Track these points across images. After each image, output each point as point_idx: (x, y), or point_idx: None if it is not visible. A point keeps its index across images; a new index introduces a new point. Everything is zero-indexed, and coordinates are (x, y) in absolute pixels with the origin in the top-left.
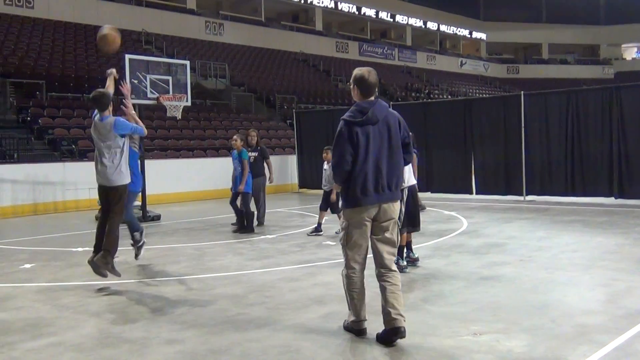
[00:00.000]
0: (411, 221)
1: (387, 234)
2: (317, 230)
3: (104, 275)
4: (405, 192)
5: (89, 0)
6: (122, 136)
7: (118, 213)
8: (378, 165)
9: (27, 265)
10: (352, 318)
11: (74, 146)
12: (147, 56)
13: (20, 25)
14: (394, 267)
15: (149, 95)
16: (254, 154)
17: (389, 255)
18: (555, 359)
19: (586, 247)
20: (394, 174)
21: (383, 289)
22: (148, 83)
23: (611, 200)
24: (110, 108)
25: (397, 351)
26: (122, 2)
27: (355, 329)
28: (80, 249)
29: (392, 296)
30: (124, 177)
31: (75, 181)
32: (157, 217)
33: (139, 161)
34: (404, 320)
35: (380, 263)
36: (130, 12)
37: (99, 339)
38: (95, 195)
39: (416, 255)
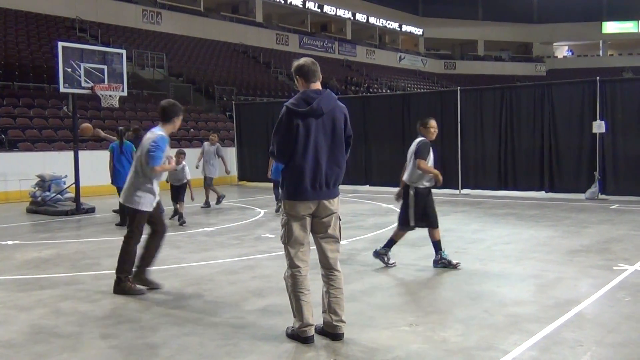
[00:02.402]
0: (428, 219)
1: (330, 230)
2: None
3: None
4: (412, 191)
5: None
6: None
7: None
8: (317, 161)
9: None
10: (298, 324)
11: (3, 136)
12: (82, 44)
13: None
14: (339, 266)
15: (83, 84)
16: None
17: (333, 253)
18: (488, 347)
19: (518, 239)
20: (333, 172)
21: (326, 292)
22: (82, 72)
23: (542, 194)
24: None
25: (335, 342)
26: None
27: (302, 337)
28: (10, 242)
29: (335, 301)
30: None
31: (4, 172)
32: (91, 210)
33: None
34: (345, 325)
35: (324, 263)
36: None
37: (29, 334)
38: (25, 187)
39: (449, 258)
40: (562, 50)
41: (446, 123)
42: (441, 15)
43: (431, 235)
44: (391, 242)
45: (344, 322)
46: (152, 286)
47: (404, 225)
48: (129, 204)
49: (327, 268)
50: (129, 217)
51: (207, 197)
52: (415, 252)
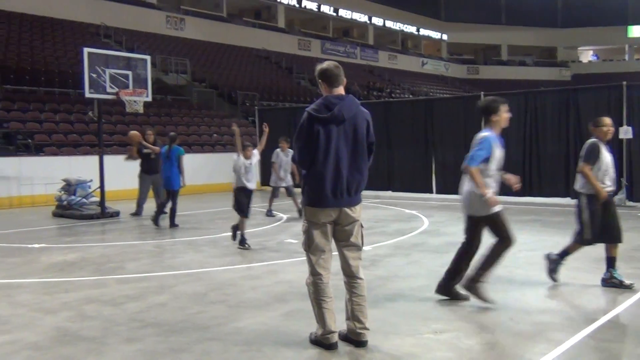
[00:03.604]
0: (609, 233)
1: (352, 239)
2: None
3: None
4: (584, 198)
5: None
6: None
7: None
8: (338, 168)
9: None
10: (320, 331)
11: (29, 140)
12: (107, 50)
13: None
14: (361, 274)
15: (108, 90)
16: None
17: (355, 261)
18: (514, 356)
19: (543, 246)
20: (354, 179)
21: (349, 300)
22: (107, 77)
23: (567, 200)
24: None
25: (359, 349)
26: None
27: (325, 343)
28: (36, 245)
29: (358, 309)
30: None
31: (31, 176)
32: (116, 214)
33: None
34: (368, 332)
35: (346, 271)
36: (89, 4)
37: (55, 337)
38: (51, 191)
39: (621, 278)
40: (587, 55)
41: (469, 128)
42: (464, 20)
43: (608, 250)
44: (564, 253)
45: (368, 329)
46: (459, 297)
47: (580, 239)
48: (473, 213)
49: (350, 276)
50: (492, 225)
51: (297, 205)
52: (439, 259)
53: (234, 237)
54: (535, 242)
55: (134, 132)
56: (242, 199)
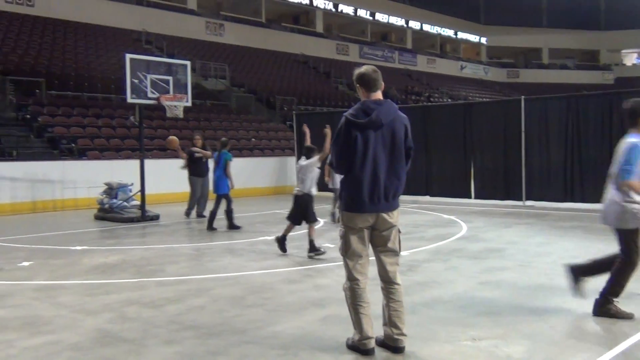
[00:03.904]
0: None
1: (389, 244)
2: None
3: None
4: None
5: None
6: None
7: None
8: (376, 173)
9: (26, 263)
10: (357, 336)
11: (73, 145)
12: (148, 56)
13: (20, 23)
14: (398, 279)
15: (149, 95)
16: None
17: (393, 267)
18: None
19: (586, 253)
20: (392, 184)
21: (386, 305)
22: (148, 83)
23: None
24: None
25: (396, 355)
26: (123, 1)
27: (362, 349)
28: (78, 248)
29: (395, 315)
30: None
31: (74, 180)
32: (155, 217)
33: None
34: (405, 339)
35: (383, 276)
36: (131, 11)
37: (96, 338)
38: (93, 194)
39: None
40: (630, 58)
41: (509, 133)
42: (504, 23)
43: None
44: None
45: (405, 335)
46: (622, 316)
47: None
48: (621, 226)
49: (387, 281)
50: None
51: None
52: (478, 265)
53: (284, 247)
54: (577, 249)
55: (172, 138)
56: (311, 205)
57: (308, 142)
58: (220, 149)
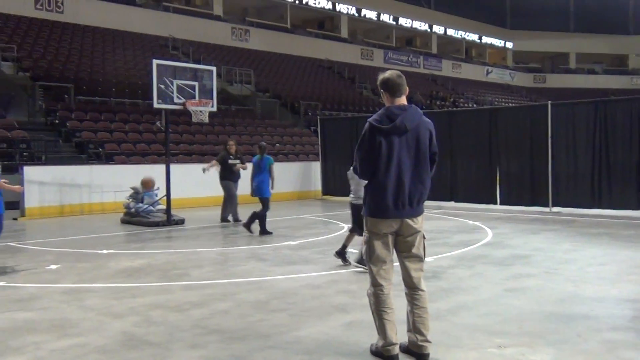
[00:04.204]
0: None
1: (414, 250)
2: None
3: None
4: None
5: (117, 6)
6: None
7: None
8: (400, 179)
9: (53, 266)
10: (381, 342)
11: (100, 149)
12: (174, 61)
13: (49, 30)
14: (423, 285)
15: (176, 100)
16: (236, 160)
17: (417, 272)
18: None
19: (614, 260)
20: (417, 190)
21: (411, 311)
22: (175, 88)
23: (638, 213)
24: None
25: None
26: (150, 8)
27: (386, 355)
28: (105, 251)
29: (419, 321)
30: None
31: (101, 184)
32: (181, 221)
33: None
34: (430, 345)
35: (407, 282)
36: (158, 17)
37: (122, 341)
38: (120, 198)
39: None
40: None
41: (536, 138)
42: (530, 28)
43: None
44: None
45: (430, 341)
46: None
47: None
48: None
49: (411, 287)
50: None
51: None
52: (503, 271)
53: (345, 258)
54: (604, 256)
55: (148, 180)
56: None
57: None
58: (262, 154)
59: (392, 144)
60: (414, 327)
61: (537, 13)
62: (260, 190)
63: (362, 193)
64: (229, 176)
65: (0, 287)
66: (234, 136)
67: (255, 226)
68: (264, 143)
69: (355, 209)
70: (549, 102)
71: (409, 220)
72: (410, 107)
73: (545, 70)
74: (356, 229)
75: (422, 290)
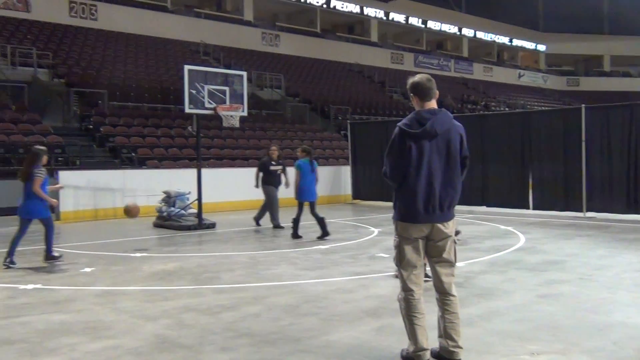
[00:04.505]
0: None
1: (445, 254)
2: None
3: None
4: None
5: (150, 12)
6: None
7: None
8: (431, 183)
9: (88, 269)
10: (412, 348)
11: (133, 154)
12: (205, 67)
13: (84, 37)
14: (454, 291)
15: (207, 105)
16: (278, 166)
17: (448, 278)
18: None
19: None
20: (447, 194)
21: (441, 317)
22: (206, 93)
23: None
24: None
25: None
26: (181, 14)
27: None
28: (138, 255)
29: (450, 326)
30: None
31: (134, 188)
32: (212, 225)
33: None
34: (461, 351)
35: (438, 287)
36: (189, 23)
37: (155, 343)
38: (152, 202)
39: None
40: None
41: (569, 142)
42: (563, 30)
43: None
44: None
45: (461, 347)
46: None
47: None
48: None
49: (442, 292)
50: None
51: None
52: (537, 277)
53: None
54: None
55: (133, 208)
56: None
57: None
58: (311, 157)
59: (422, 149)
60: (445, 332)
61: (570, 15)
62: (310, 194)
63: None
64: (271, 181)
65: (36, 290)
66: (264, 141)
67: (315, 230)
68: (307, 147)
69: None
70: (583, 105)
71: (439, 225)
72: (440, 111)
73: (578, 73)
74: None
75: (453, 296)
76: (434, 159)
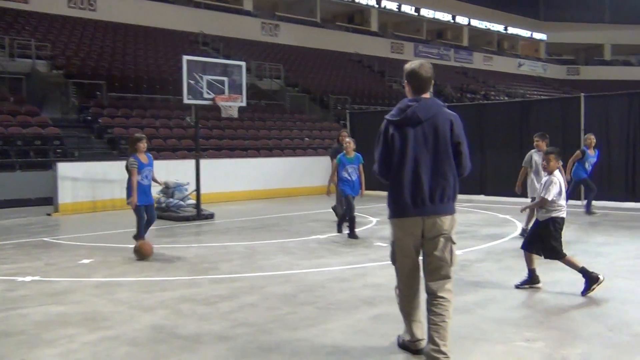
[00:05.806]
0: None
1: (437, 252)
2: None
3: None
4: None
5: (148, 3)
6: None
7: None
8: (418, 173)
9: (86, 261)
10: (408, 337)
11: None
12: (204, 57)
13: (82, 27)
14: (444, 293)
15: (205, 95)
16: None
17: (437, 281)
18: None
19: None
20: (437, 184)
21: (428, 318)
22: (204, 84)
23: None
24: None
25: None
26: (180, 4)
27: (412, 349)
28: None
29: (434, 329)
30: None
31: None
32: (210, 216)
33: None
34: (445, 357)
35: (426, 287)
36: (188, 13)
37: (152, 334)
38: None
39: None
40: None
41: (568, 131)
42: (564, 19)
43: None
44: None
45: (444, 353)
46: None
47: None
48: None
49: (430, 293)
50: None
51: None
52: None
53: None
54: (638, 250)
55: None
56: None
57: None
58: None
59: (405, 137)
60: (429, 335)
61: (571, 4)
62: (355, 189)
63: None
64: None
65: (34, 281)
66: (264, 131)
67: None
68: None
69: (542, 226)
70: (582, 94)
71: (432, 219)
72: (424, 98)
73: (579, 62)
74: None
75: (442, 298)
76: (420, 147)
